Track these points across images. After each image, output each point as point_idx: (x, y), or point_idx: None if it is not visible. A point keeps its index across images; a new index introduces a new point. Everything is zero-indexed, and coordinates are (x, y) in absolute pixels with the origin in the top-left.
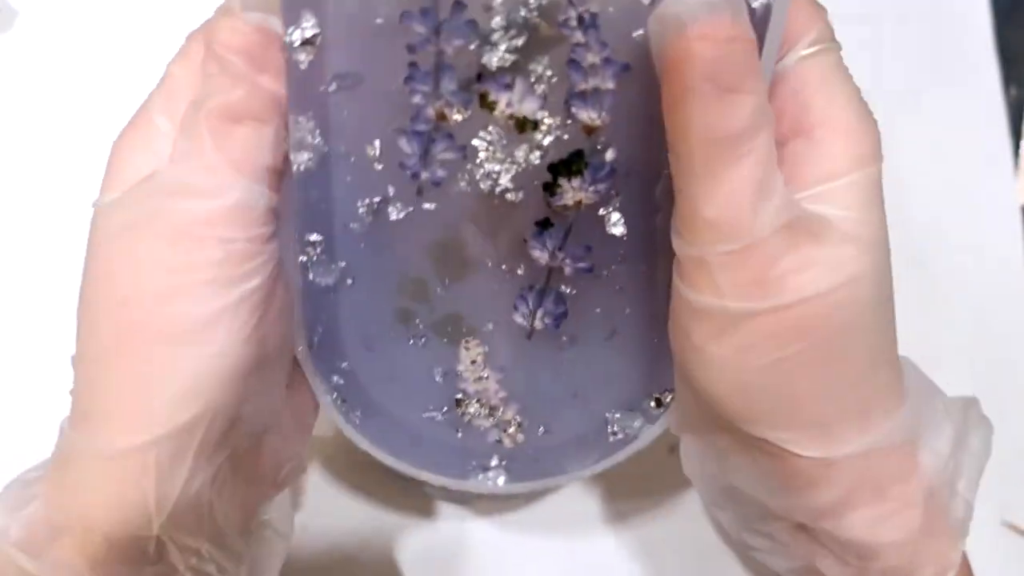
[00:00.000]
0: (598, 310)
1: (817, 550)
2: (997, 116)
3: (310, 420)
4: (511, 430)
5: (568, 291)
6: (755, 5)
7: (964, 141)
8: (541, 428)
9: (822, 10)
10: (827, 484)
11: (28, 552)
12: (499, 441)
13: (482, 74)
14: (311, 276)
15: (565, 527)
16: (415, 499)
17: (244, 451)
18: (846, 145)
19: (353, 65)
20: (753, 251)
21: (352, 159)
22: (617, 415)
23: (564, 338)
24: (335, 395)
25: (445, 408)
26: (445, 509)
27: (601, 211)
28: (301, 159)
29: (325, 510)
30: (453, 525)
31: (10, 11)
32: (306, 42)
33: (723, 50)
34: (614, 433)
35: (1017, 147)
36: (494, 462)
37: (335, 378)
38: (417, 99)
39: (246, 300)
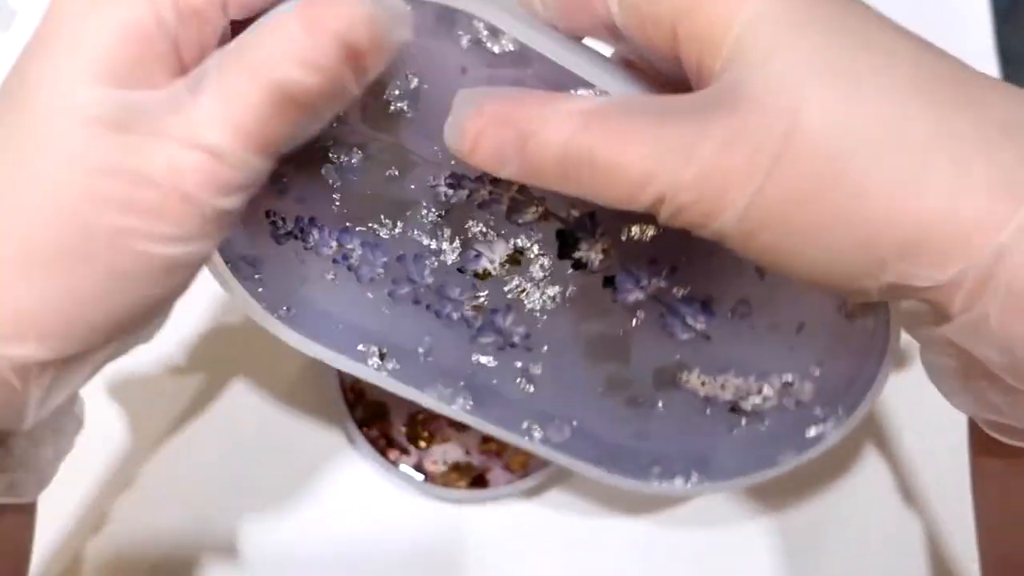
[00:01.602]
0: (721, 275)
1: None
2: None
3: None
4: (794, 388)
5: (683, 291)
6: (508, 49)
7: None
8: (813, 367)
9: None
10: (959, 303)
11: None
12: (798, 402)
13: (460, 267)
14: (555, 441)
15: (561, 525)
16: (413, 496)
17: None
18: (705, 10)
19: (416, 335)
20: (691, 175)
21: (478, 375)
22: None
23: (731, 312)
24: (665, 479)
25: (736, 420)
26: (443, 507)
27: (624, 236)
28: (460, 403)
29: (325, 509)
30: (449, 521)
31: (9, 11)
32: (383, 357)
33: (498, 130)
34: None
35: None
36: (819, 413)
37: (653, 470)
38: (454, 315)
39: (181, 265)
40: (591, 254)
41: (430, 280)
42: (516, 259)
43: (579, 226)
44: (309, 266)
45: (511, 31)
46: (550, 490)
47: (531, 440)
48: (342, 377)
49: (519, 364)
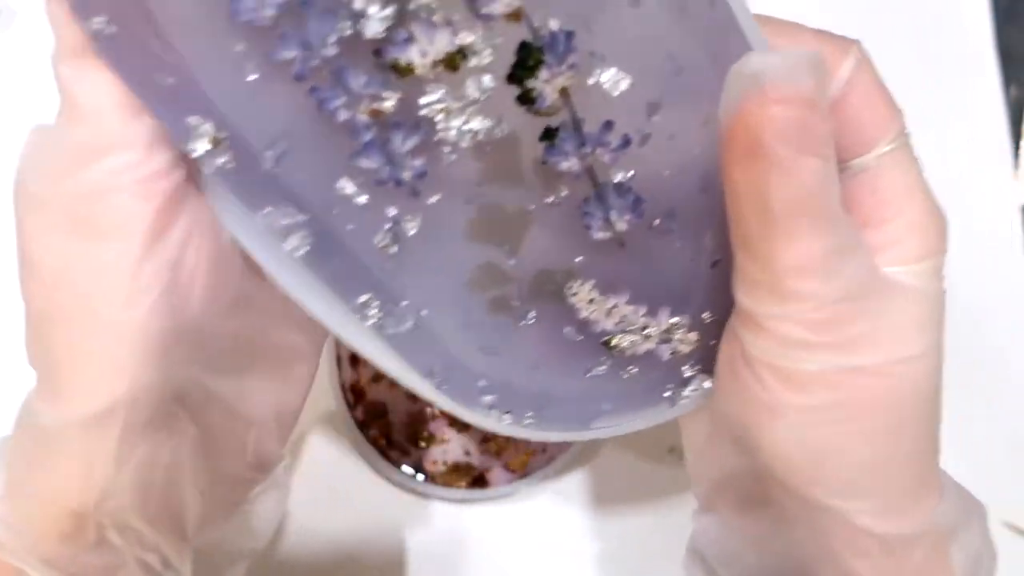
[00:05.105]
0: (667, 172)
1: None
2: (997, 116)
3: (289, 417)
4: (679, 334)
5: (624, 176)
6: None
7: (964, 141)
8: (707, 314)
9: (899, 108)
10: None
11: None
12: (674, 352)
13: (378, 48)
14: (390, 331)
15: (561, 525)
16: (413, 497)
17: (206, 436)
18: (916, 240)
19: (273, 130)
20: (828, 312)
21: (335, 210)
22: None
23: (658, 220)
24: (494, 411)
25: (601, 359)
26: (443, 507)
27: (592, 79)
28: (294, 244)
29: (325, 509)
30: (449, 521)
31: (10, 11)
32: (216, 144)
33: (803, 113)
34: None
35: (1017, 147)
36: (687, 371)
37: (485, 398)
38: (342, 115)
39: (142, 272)
40: (547, 88)
41: (331, 52)
42: (454, 62)
43: (551, 43)
44: None
45: None
46: (550, 490)
47: (363, 320)
48: (342, 377)
49: (392, 211)
